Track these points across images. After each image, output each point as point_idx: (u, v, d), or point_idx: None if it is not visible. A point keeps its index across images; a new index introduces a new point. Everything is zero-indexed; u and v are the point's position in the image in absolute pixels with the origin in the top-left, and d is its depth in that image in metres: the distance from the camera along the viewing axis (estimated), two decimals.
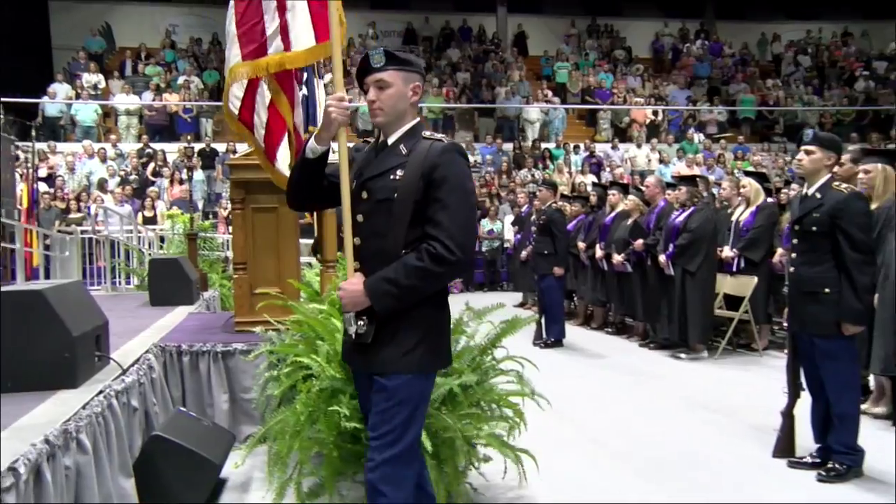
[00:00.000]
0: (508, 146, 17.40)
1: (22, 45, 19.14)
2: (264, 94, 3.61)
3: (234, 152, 12.70)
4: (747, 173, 7.85)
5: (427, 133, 2.42)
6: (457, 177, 2.31)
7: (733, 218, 7.42)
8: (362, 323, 2.32)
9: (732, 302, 7.29)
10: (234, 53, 3.45)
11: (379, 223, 2.35)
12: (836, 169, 4.17)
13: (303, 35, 3.31)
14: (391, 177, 2.35)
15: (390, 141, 2.43)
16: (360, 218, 2.39)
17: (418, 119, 2.50)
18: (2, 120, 10.39)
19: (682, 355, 7.24)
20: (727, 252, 7.25)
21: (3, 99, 11.59)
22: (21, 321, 2.79)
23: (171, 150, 15.51)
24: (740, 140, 18.18)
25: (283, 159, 3.66)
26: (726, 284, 7.34)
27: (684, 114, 19.05)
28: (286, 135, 3.66)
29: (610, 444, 4.64)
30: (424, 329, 2.34)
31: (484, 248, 14.19)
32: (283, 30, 3.37)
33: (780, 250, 7.13)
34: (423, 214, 2.29)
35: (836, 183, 3.96)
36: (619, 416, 5.32)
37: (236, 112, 3.59)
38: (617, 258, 8.25)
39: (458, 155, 2.36)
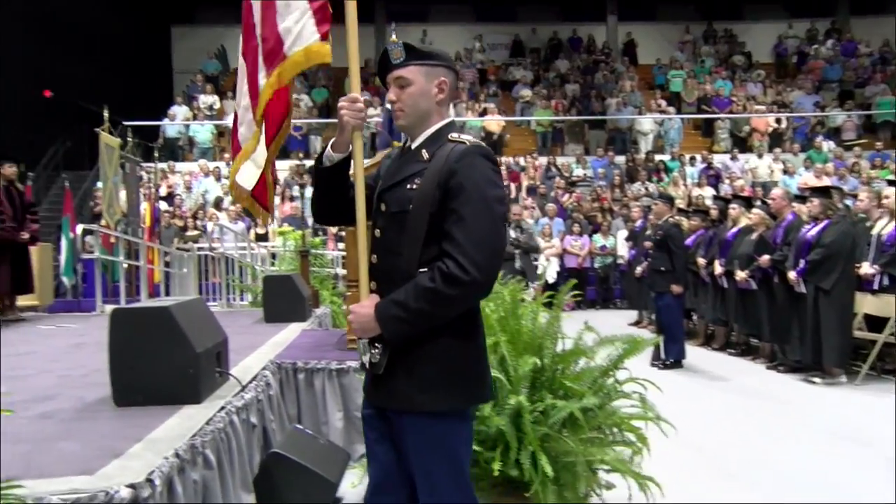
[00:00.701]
0: (620, 159, 16.98)
1: (145, 71, 20.45)
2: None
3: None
4: (890, 182, 7.23)
5: (454, 135, 2.09)
6: (475, 185, 1.98)
7: (874, 232, 6.85)
8: (376, 351, 2.06)
9: (875, 323, 6.72)
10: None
11: (393, 238, 2.08)
12: None
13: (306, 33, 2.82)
14: (408, 186, 2.07)
15: (414, 145, 2.15)
16: (377, 233, 2.14)
17: (448, 120, 2.17)
18: (130, 143, 11.03)
19: (817, 380, 6.73)
20: (867, 269, 6.69)
21: (128, 122, 12.33)
22: (149, 337, 2.84)
23: (282, 168, 16.03)
24: (878, 147, 16.77)
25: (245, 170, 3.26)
26: (867, 304, 6.78)
27: (811, 121, 17.91)
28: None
29: (740, 474, 4.33)
30: (445, 361, 2.03)
31: (596, 265, 13.86)
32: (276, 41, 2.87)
33: None
34: (440, 229, 1.99)
35: None
36: (749, 443, 4.97)
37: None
38: (740, 275, 7.80)
39: (480, 158, 2.02)
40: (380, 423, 2.14)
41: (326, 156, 2.22)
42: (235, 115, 3.09)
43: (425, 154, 2.08)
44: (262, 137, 3.01)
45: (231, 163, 3.14)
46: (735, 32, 22.24)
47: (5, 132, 12.68)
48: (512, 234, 9.22)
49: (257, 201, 3.02)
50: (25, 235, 7.22)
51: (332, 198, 2.27)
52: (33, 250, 7.67)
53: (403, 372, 2.03)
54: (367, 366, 2.09)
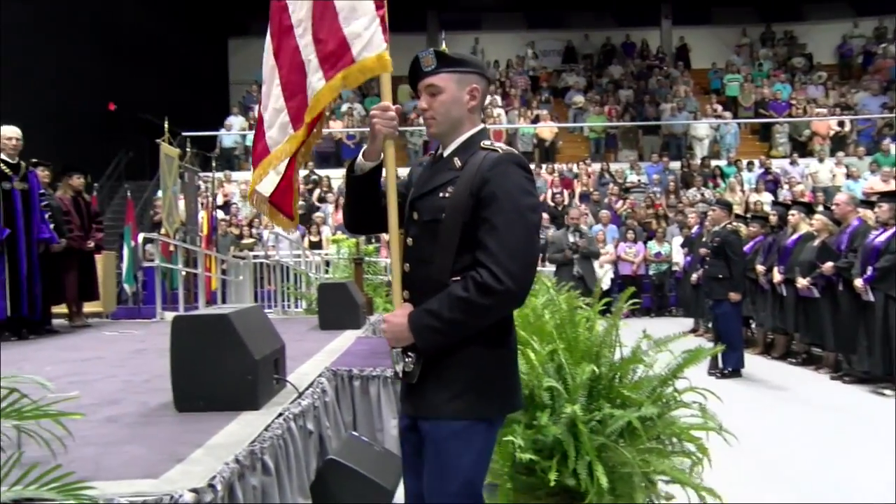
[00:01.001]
0: (675, 164, 16.71)
1: (203, 83, 21.00)
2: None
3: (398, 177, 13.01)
4: None
5: (487, 143, 2.07)
6: (508, 193, 1.94)
7: None
8: (409, 360, 2.04)
9: None
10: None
11: (426, 247, 2.06)
12: None
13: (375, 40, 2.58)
14: (440, 194, 2.04)
15: (446, 153, 2.12)
16: (409, 242, 2.13)
17: (480, 127, 2.14)
18: (188, 153, 11.31)
19: (888, 391, 6.49)
20: None
21: (187, 133, 12.66)
22: (210, 344, 2.89)
23: (336, 176, 16.22)
24: None
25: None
26: None
27: (878, 123, 17.27)
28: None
29: (805, 489, 4.19)
30: (476, 369, 2.01)
31: (651, 272, 13.65)
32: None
33: None
34: (473, 237, 1.97)
35: None
36: (815, 456, 4.81)
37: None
38: (802, 282, 7.59)
39: (513, 167, 1.99)
40: (415, 436, 2.13)
41: (358, 164, 2.22)
42: (260, 119, 3.03)
43: (457, 162, 2.06)
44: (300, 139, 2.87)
45: (253, 168, 3.05)
46: (795, 34, 21.64)
47: (74, 144, 13.15)
48: (571, 238, 9.02)
49: (276, 207, 2.96)
50: (91, 244, 7.46)
51: (363, 206, 2.28)
52: (98, 258, 7.91)
53: (433, 380, 2.02)
54: (401, 375, 2.08)
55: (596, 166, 16.59)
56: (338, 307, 6.13)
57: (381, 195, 2.24)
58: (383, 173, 2.26)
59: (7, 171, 6.05)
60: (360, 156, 2.22)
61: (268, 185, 2.90)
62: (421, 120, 2.48)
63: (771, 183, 15.41)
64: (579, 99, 18.63)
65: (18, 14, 12.63)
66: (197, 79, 20.48)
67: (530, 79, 20.42)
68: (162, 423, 2.80)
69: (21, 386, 1.70)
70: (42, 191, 6.51)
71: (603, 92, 19.32)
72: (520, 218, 1.94)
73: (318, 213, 14.38)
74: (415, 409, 2.09)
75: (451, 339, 1.98)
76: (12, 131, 6.15)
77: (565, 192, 15.56)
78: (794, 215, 8.33)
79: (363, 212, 2.29)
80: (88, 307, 7.77)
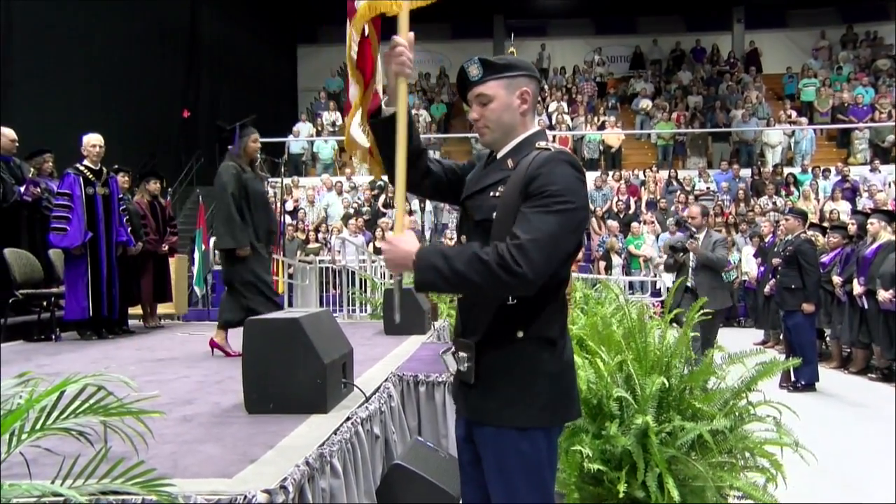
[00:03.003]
0: (746, 172, 16.25)
1: (273, 90, 21.53)
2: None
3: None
4: None
5: (542, 143, 2.00)
6: (552, 190, 1.88)
7: None
8: (464, 356, 2.01)
9: None
10: None
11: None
12: None
13: None
14: (491, 194, 2.02)
15: (499, 155, 2.09)
16: (463, 240, 2.11)
17: (536, 129, 2.09)
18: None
19: None
20: None
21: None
22: (281, 348, 2.95)
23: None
24: None
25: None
26: None
27: None
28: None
29: None
30: (529, 376, 1.95)
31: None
32: None
33: None
34: None
35: None
36: None
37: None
38: (884, 294, 7.28)
39: (563, 164, 1.92)
40: (472, 446, 2.11)
41: (383, 110, 2.20)
42: (347, 77, 2.88)
43: (510, 163, 2.03)
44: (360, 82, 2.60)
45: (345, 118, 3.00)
46: (881, 35, 20.68)
47: (151, 150, 13.64)
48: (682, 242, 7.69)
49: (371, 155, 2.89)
50: (165, 247, 7.71)
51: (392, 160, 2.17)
52: (171, 261, 8.16)
53: (487, 384, 1.99)
54: (458, 374, 2.06)
55: (663, 173, 16.30)
56: (403, 312, 6.15)
57: (422, 156, 2.20)
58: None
59: (91, 177, 6.30)
60: (383, 103, 2.18)
61: (362, 137, 2.80)
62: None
63: (848, 191, 14.83)
64: (647, 104, 18.35)
65: (107, 28, 13.19)
66: (267, 86, 21.01)
67: (597, 85, 20.22)
68: (234, 424, 2.86)
69: (107, 384, 1.77)
70: (121, 195, 6.76)
71: (671, 98, 18.98)
72: (555, 211, 1.87)
73: (383, 219, 14.52)
74: (468, 411, 2.07)
75: (447, 289, 1.97)
76: (96, 139, 6.40)
77: (631, 200, 15.33)
78: (873, 224, 8.01)
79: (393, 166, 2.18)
80: (161, 308, 8.02)
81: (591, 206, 14.75)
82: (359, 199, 15.78)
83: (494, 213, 1.99)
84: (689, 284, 6.88)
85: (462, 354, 2.03)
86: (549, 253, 1.85)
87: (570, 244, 1.91)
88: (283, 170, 14.05)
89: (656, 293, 12.81)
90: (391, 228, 11.90)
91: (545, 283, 1.89)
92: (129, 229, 6.72)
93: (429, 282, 1.92)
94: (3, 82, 10.66)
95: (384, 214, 14.98)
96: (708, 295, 5.58)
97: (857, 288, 7.82)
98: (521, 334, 1.96)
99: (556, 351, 2.00)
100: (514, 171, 1.98)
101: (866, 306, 7.80)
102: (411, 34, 2.12)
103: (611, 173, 16.10)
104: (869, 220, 8.22)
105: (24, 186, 7.05)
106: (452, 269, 1.87)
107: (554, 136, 16.26)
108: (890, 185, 14.92)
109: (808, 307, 7.22)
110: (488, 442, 2.01)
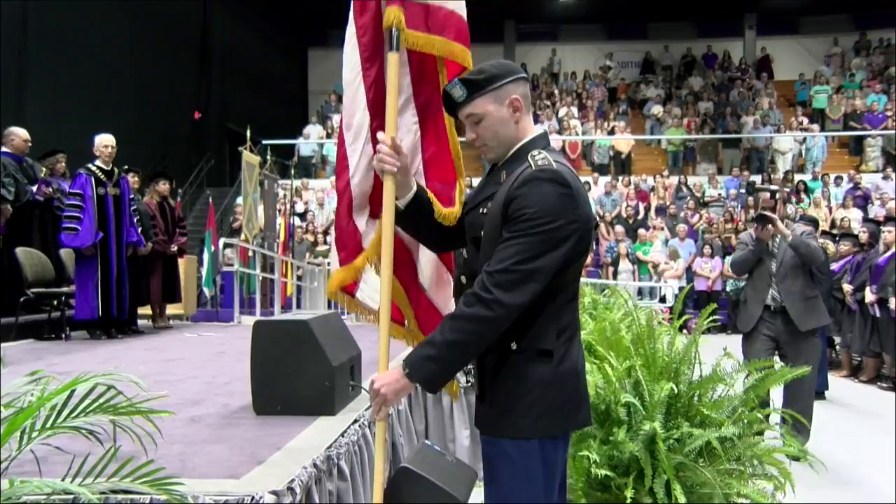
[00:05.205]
0: (756, 178, 16.19)
1: (284, 93, 21.60)
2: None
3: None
4: None
5: (535, 152, 1.92)
6: (528, 213, 1.81)
7: None
8: (469, 369, 2.02)
9: None
10: None
11: (472, 262, 1.98)
12: None
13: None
14: (481, 210, 1.98)
15: (499, 165, 2.03)
16: (464, 253, 2.09)
17: (533, 135, 2.00)
18: (269, 161, 11.61)
19: None
20: None
21: (267, 141, 13.00)
22: (289, 349, 2.95)
23: None
24: None
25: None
26: None
27: None
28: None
29: None
30: (529, 385, 1.89)
31: (728, 288, 13.25)
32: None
33: None
34: None
35: None
36: None
37: None
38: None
39: (542, 184, 1.83)
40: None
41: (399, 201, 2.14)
42: (341, 138, 2.41)
43: (503, 175, 1.98)
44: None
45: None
46: (894, 42, 20.37)
47: (161, 151, 13.71)
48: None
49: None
50: (174, 248, 7.74)
51: (420, 231, 2.22)
52: (181, 262, 8.19)
53: (488, 396, 1.96)
54: (471, 386, 2.07)
55: (673, 179, 16.26)
56: None
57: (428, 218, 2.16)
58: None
59: (102, 177, 6.33)
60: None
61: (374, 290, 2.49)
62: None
63: (860, 199, 14.75)
64: (657, 110, 18.31)
65: (120, 31, 13.28)
66: (277, 88, 21.09)
67: (608, 90, 20.19)
68: (242, 425, 2.87)
69: (117, 383, 1.78)
70: (132, 196, 6.79)
71: (682, 104, 18.93)
72: (532, 234, 1.81)
73: None
74: (475, 421, 2.06)
75: (452, 366, 1.89)
76: (108, 139, 6.44)
77: (640, 205, 15.30)
78: (889, 232, 7.96)
79: (429, 238, 2.24)
80: (170, 309, 8.05)
81: (600, 212, 14.72)
82: None
83: (482, 231, 1.96)
84: (769, 302, 5.17)
85: (467, 367, 2.05)
86: (523, 277, 1.80)
87: (552, 262, 1.83)
88: (292, 172, 14.09)
89: (663, 299, 12.77)
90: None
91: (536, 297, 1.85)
92: (139, 230, 6.76)
93: (432, 373, 1.87)
94: (17, 84, 10.74)
95: None
96: (803, 310, 4.81)
97: (870, 296, 7.77)
98: (514, 346, 1.91)
99: (552, 361, 1.92)
100: (501, 187, 1.94)
101: (878, 315, 7.75)
102: (394, 137, 2.06)
103: (620, 178, 16.06)
104: (886, 229, 8.15)
105: (37, 186, 7.11)
106: (436, 345, 1.84)
107: (564, 142, 16.26)
108: None
109: None
110: (485, 451, 2.01)
